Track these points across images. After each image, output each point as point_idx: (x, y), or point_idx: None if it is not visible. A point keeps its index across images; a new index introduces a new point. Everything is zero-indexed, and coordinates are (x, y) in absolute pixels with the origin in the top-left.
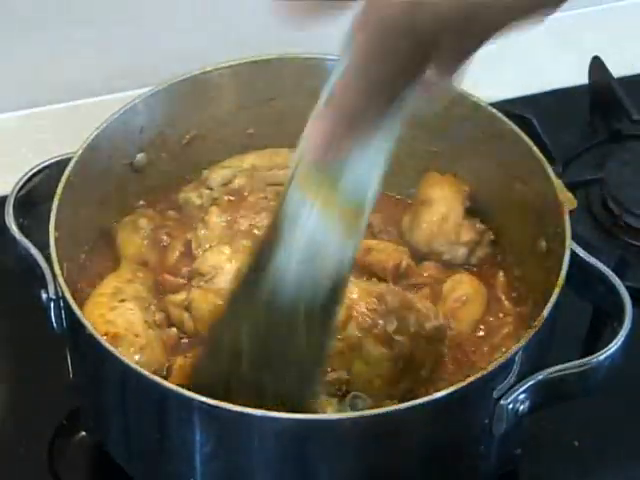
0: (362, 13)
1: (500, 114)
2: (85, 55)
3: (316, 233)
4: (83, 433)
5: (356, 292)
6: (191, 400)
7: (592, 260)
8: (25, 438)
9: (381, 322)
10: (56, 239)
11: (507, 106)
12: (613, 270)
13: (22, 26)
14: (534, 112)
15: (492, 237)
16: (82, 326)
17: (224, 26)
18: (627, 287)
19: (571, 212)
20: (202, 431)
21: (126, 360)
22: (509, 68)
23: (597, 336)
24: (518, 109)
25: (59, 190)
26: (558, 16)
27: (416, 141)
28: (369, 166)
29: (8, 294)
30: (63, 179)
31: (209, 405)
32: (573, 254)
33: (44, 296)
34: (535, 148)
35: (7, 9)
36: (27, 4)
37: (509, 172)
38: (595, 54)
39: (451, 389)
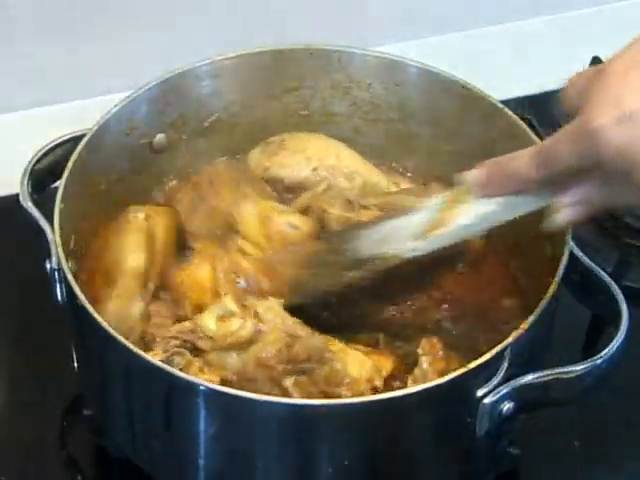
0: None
1: (515, 116)
2: (86, 55)
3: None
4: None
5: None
6: (196, 385)
7: (593, 267)
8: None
9: (280, 369)
10: (61, 210)
11: (507, 106)
12: (613, 270)
13: (22, 27)
14: (534, 112)
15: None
16: (77, 297)
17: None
18: (627, 287)
19: None
20: (207, 415)
21: (121, 339)
22: (509, 68)
23: (596, 341)
24: (518, 109)
25: (70, 164)
26: (558, 16)
27: (436, 140)
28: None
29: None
30: (75, 154)
31: (213, 390)
32: (576, 260)
33: (47, 266)
34: None
35: (7, 10)
36: (27, 5)
37: None
38: (595, 54)
39: (430, 384)
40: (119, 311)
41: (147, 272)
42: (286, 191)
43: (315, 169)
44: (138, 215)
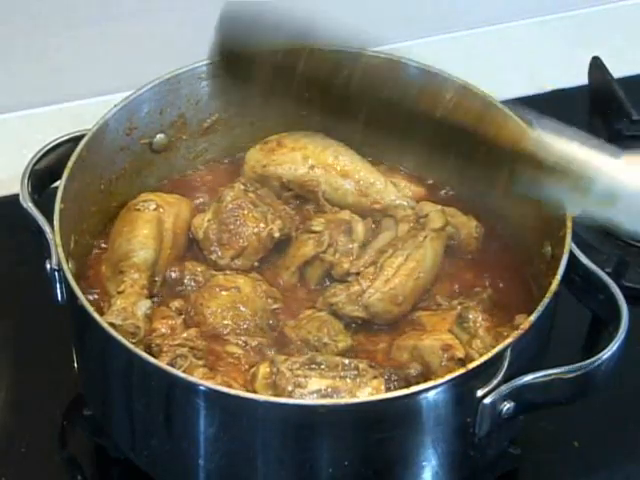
0: None
1: (515, 116)
2: (85, 55)
3: None
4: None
5: None
6: (196, 385)
7: (593, 267)
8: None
9: None
10: (61, 210)
11: (507, 106)
12: (613, 270)
13: (22, 27)
14: (534, 112)
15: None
16: (77, 297)
17: None
18: (626, 287)
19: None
20: (207, 415)
21: (120, 337)
22: (509, 68)
23: (596, 341)
24: (518, 109)
25: (70, 164)
26: (558, 16)
27: (436, 139)
28: None
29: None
30: (75, 154)
31: (213, 390)
32: (575, 260)
33: (48, 267)
34: None
35: (8, 11)
36: (27, 6)
37: None
38: (595, 54)
39: (430, 384)
40: (125, 309)
41: (154, 266)
42: (283, 189)
43: (312, 167)
44: (148, 205)
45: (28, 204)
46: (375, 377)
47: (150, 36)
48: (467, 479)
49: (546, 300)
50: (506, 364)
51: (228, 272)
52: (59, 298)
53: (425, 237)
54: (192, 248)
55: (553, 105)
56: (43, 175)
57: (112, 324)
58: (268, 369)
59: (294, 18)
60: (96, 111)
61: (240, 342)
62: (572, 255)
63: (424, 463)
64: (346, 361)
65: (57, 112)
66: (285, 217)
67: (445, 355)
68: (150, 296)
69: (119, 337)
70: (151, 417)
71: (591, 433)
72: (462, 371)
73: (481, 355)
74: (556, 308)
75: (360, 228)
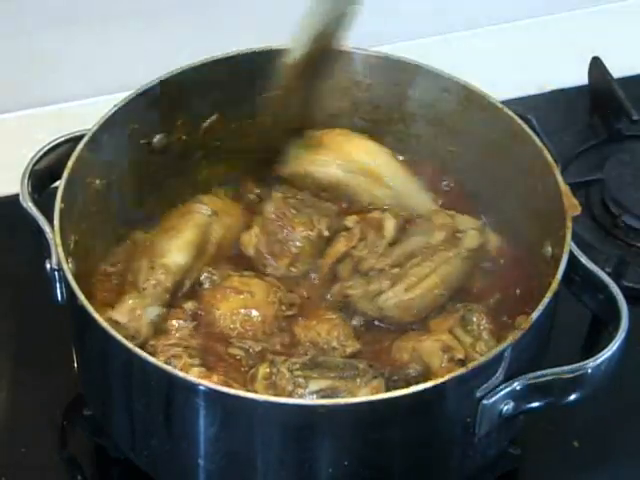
0: None
1: (516, 117)
2: (86, 55)
3: None
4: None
5: None
6: (196, 385)
7: (593, 267)
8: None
9: None
10: (61, 210)
11: (507, 106)
12: (613, 270)
13: (23, 27)
14: (534, 112)
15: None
16: (77, 297)
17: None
18: (626, 287)
19: (575, 217)
20: (207, 415)
21: (120, 337)
22: (509, 68)
23: (596, 341)
24: (518, 109)
25: (70, 164)
26: (558, 16)
27: (437, 140)
28: None
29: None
30: (75, 154)
31: (213, 390)
32: (575, 260)
33: (47, 266)
34: (546, 152)
35: (8, 10)
36: (28, 5)
37: (520, 174)
38: (595, 54)
39: (430, 384)
40: (134, 310)
41: (187, 272)
42: (317, 187)
43: (345, 170)
44: (203, 209)
45: (28, 204)
46: (375, 377)
47: (150, 36)
48: (467, 479)
49: (546, 300)
50: (506, 364)
51: (245, 273)
52: (59, 298)
53: (457, 255)
54: (235, 261)
55: (553, 105)
56: (43, 175)
57: (116, 321)
58: (268, 370)
59: None
60: (96, 111)
61: (244, 346)
62: (572, 255)
63: (424, 463)
64: (346, 361)
65: (57, 112)
66: (330, 214)
67: (445, 356)
68: (172, 299)
69: (119, 337)
70: (151, 417)
71: (591, 433)
72: (462, 371)
73: None
74: (556, 308)
75: (390, 225)
